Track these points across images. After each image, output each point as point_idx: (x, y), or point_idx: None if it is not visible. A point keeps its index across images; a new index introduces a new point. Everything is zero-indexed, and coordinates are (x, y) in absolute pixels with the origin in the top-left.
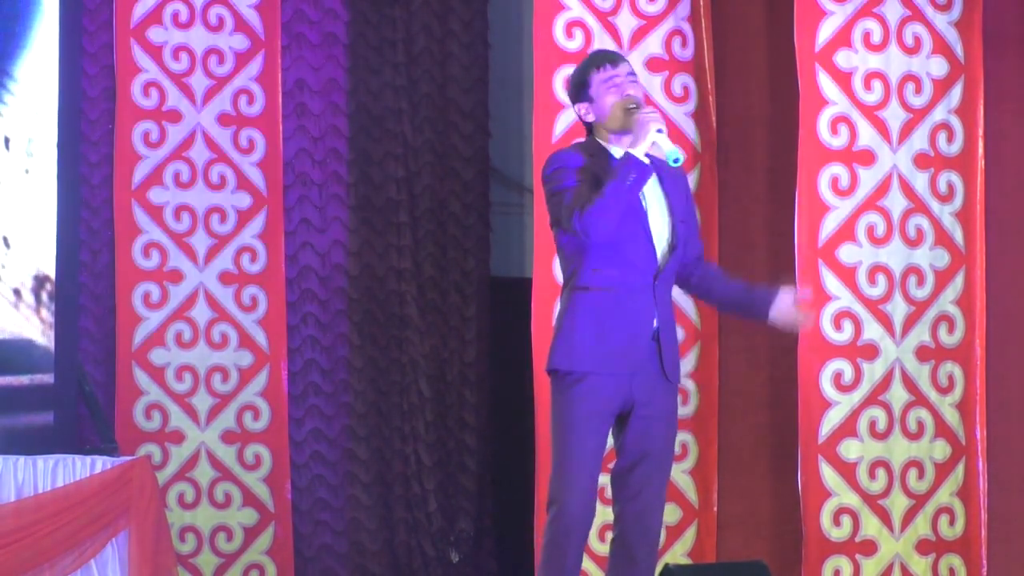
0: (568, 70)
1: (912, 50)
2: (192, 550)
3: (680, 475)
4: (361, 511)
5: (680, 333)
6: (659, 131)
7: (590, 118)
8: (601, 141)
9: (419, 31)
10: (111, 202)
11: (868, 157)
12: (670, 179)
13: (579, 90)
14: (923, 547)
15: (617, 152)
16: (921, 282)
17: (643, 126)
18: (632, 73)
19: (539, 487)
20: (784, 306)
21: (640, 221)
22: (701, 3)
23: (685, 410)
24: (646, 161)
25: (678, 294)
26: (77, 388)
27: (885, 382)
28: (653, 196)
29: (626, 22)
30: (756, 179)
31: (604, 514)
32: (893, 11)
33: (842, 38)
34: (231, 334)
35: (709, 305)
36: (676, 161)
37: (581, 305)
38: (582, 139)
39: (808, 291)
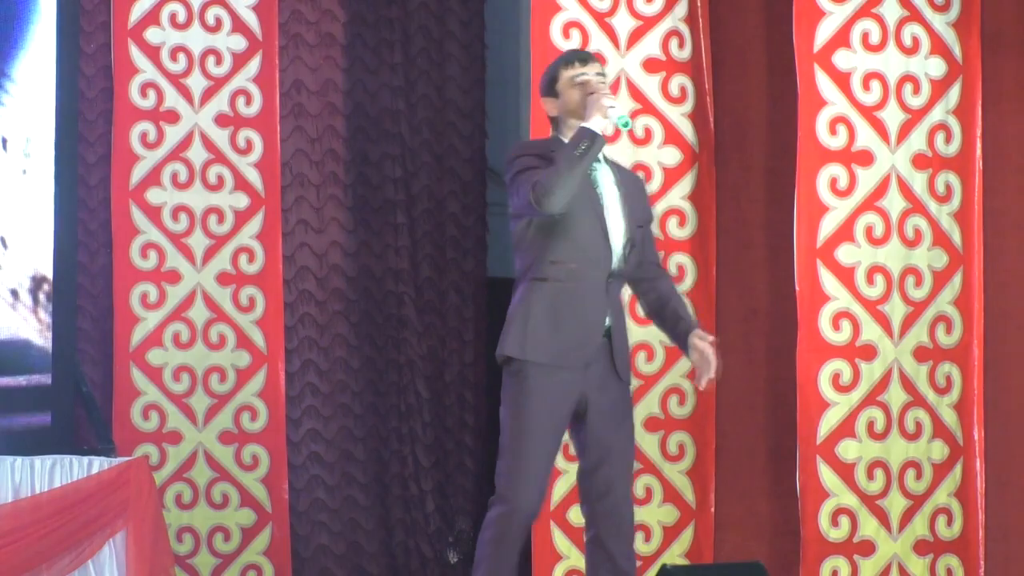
0: None
1: (910, 50)
2: (190, 550)
3: (677, 475)
4: (359, 512)
5: None
6: (611, 107)
7: (553, 112)
8: (563, 138)
9: (416, 32)
10: (108, 203)
11: (866, 157)
12: (628, 186)
13: (548, 85)
14: (921, 547)
15: None
16: (919, 282)
17: (595, 101)
18: (602, 74)
19: None
20: (699, 352)
21: (599, 219)
22: (698, 3)
23: (683, 410)
24: (599, 132)
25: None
26: (74, 389)
27: (883, 383)
28: (612, 198)
29: (623, 23)
30: (754, 180)
31: None
32: (891, 11)
33: (840, 38)
34: (229, 335)
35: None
36: (625, 125)
37: (537, 295)
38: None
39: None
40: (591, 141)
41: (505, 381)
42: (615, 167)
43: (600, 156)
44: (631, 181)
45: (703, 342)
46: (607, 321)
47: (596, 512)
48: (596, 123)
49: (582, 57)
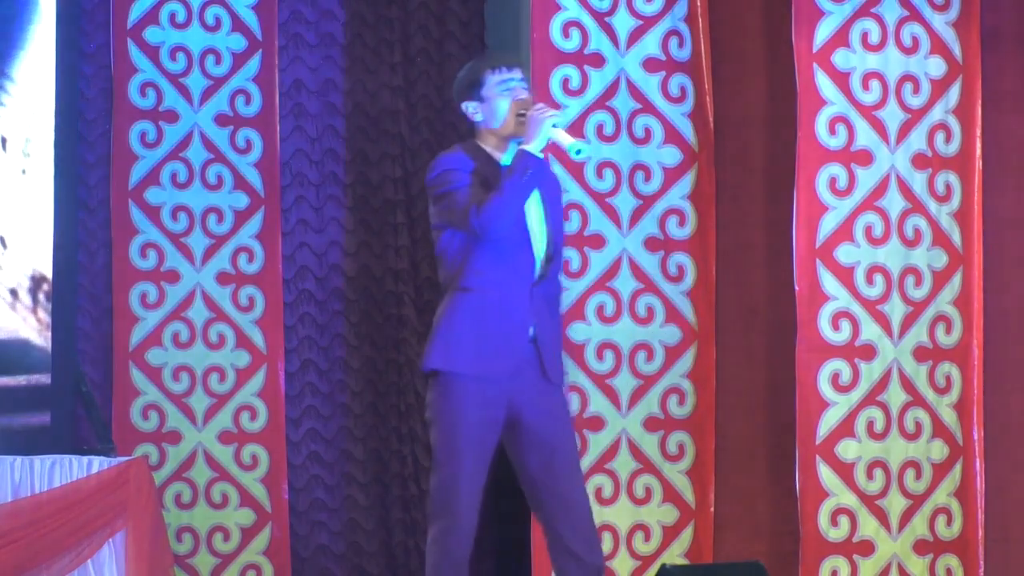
0: (566, 70)
1: (910, 50)
2: (189, 550)
3: (677, 475)
4: (358, 511)
5: (677, 333)
6: (554, 126)
7: (478, 118)
8: (483, 145)
9: (416, 32)
10: (108, 202)
11: (866, 157)
12: (547, 189)
13: (470, 89)
14: (920, 547)
15: (499, 157)
16: (919, 282)
17: (538, 124)
18: (524, 79)
19: None
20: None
21: (522, 228)
22: (698, 3)
23: (682, 410)
24: (541, 156)
25: (674, 293)
26: (74, 388)
27: (883, 382)
28: (533, 206)
29: (623, 22)
30: (754, 179)
31: (601, 515)
32: (891, 11)
33: (840, 38)
34: (228, 334)
35: None
36: (579, 153)
37: (462, 306)
38: (463, 143)
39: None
40: (535, 168)
41: (431, 394)
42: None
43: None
44: (550, 185)
45: None
46: (531, 330)
47: (550, 514)
48: (536, 146)
49: (508, 62)
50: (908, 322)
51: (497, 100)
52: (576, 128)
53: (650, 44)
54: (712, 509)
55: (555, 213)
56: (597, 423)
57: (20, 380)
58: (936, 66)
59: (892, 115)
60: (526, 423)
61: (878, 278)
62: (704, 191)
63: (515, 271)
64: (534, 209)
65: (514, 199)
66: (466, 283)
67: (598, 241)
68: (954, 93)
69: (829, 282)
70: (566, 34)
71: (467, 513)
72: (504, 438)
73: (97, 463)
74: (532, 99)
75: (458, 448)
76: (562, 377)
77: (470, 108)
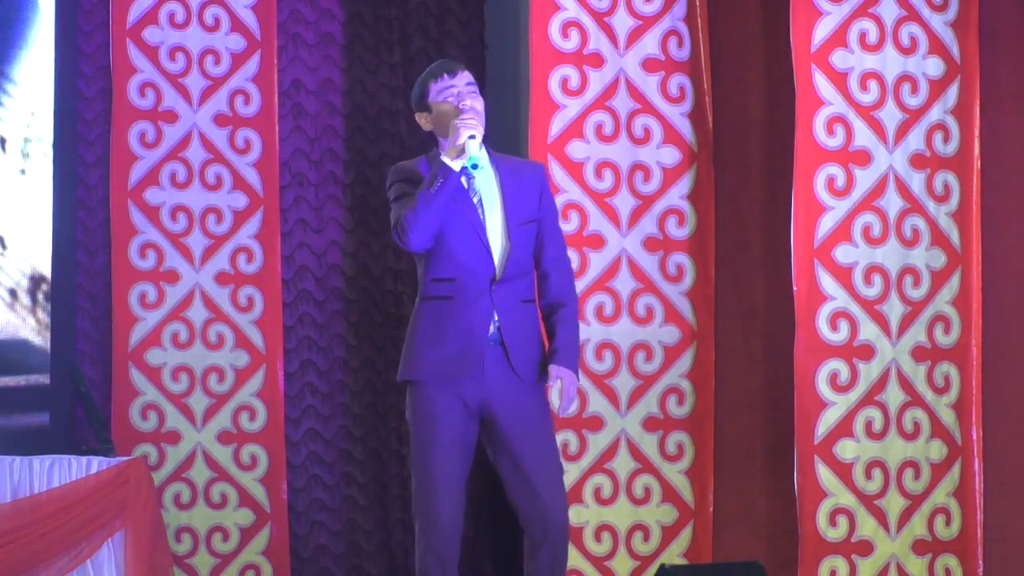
0: (565, 70)
1: (908, 50)
2: (188, 550)
3: (676, 475)
4: (357, 512)
5: (676, 333)
6: (471, 137)
7: (429, 128)
8: (442, 151)
9: (415, 32)
10: (107, 202)
11: (864, 157)
12: (515, 181)
13: (419, 101)
14: (919, 547)
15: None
16: (917, 282)
17: (456, 132)
18: (471, 83)
19: None
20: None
21: (474, 227)
22: (697, 3)
23: (681, 410)
24: (455, 167)
25: (673, 294)
26: (73, 388)
27: (881, 382)
28: (491, 203)
29: (622, 22)
30: (752, 179)
31: (600, 515)
32: (889, 11)
33: (838, 38)
34: (227, 334)
35: None
36: (475, 167)
37: (422, 315)
38: (428, 152)
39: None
40: (445, 178)
41: (406, 400)
42: (505, 164)
43: (480, 160)
44: (522, 176)
45: (560, 381)
46: (492, 327)
47: (523, 509)
48: (452, 154)
49: (450, 68)
50: (906, 322)
51: (440, 107)
52: (576, 128)
53: (649, 44)
54: (711, 509)
55: (523, 205)
56: (596, 423)
57: (19, 380)
58: (934, 66)
59: (890, 115)
60: (499, 425)
61: (876, 278)
62: (703, 191)
63: (471, 274)
64: (492, 208)
65: (426, 209)
66: (426, 292)
67: (597, 241)
68: (952, 93)
69: (827, 282)
70: (565, 34)
71: (447, 511)
72: (481, 435)
73: (96, 463)
74: (480, 105)
75: (430, 449)
76: (534, 375)
77: (421, 120)
